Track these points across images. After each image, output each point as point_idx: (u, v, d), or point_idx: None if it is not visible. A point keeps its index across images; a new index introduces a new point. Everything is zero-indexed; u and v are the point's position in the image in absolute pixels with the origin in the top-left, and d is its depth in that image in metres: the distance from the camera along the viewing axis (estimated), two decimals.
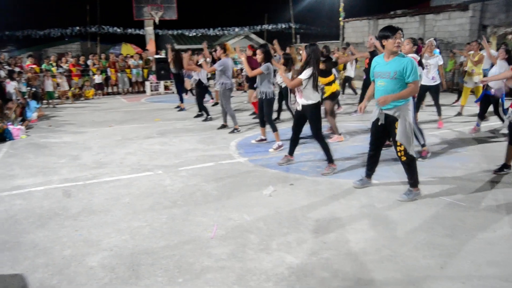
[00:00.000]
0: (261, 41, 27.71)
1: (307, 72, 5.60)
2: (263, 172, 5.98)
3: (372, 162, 5.15)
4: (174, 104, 12.75)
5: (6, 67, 12.37)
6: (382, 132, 4.86)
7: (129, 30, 21.76)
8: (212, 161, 6.60)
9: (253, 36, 28.00)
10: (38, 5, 28.38)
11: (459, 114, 10.23)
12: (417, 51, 6.40)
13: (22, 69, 13.68)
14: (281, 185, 5.36)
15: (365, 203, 4.71)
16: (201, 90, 10.34)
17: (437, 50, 9.32)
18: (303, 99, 5.72)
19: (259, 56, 7.10)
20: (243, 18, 26.82)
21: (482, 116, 8.14)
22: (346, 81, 14.07)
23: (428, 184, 5.21)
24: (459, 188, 5.08)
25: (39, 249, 3.85)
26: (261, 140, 7.74)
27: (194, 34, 24.18)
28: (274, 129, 7.27)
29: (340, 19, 20.31)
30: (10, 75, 11.31)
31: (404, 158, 4.66)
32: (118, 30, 21.72)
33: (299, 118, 5.96)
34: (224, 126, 9.17)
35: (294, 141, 6.19)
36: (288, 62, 7.55)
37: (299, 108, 5.84)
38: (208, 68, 9.36)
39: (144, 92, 17.09)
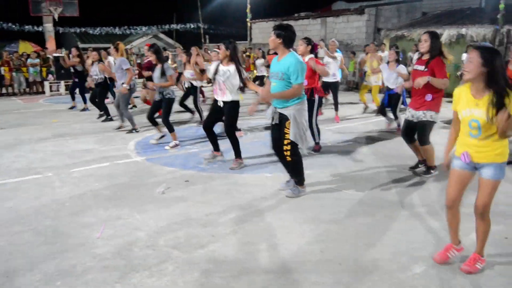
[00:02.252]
0: (171, 41, 27.39)
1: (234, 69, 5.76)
2: (160, 170, 5.93)
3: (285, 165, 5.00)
4: (77, 104, 12.08)
5: None
6: (278, 132, 4.73)
7: (27, 27, 20.37)
8: (108, 161, 6.40)
9: (162, 35, 27.58)
10: None
11: (365, 109, 10.79)
12: (312, 51, 6.58)
13: None
14: (176, 183, 5.35)
15: (258, 196, 4.85)
16: (103, 89, 9.96)
17: (338, 50, 9.90)
18: (225, 96, 5.80)
19: (151, 57, 6.99)
20: (151, 17, 26.25)
21: (384, 112, 8.56)
22: (255, 81, 14.29)
23: (318, 176, 5.50)
24: (348, 180, 5.43)
25: None
26: (161, 137, 7.59)
27: (99, 32, 23.22)
28: (171, 130, 7.20)
29: (248, 20, 20.66)
30: None
31: (289, 158, 4.70)
32: (14, 26, 20.22)
33: (216, 113, 6.01)
34: (120, 127, 8.85)
35: (212, 136, 6.22)
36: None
37: (220, 104, 5.89)
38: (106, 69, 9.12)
39: (43, 92, 16.07)
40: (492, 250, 3.42)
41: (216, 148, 6.32)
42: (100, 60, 9.75)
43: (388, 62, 8.02)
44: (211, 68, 6.22)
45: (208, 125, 6.12)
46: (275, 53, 8.13)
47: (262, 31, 20.51)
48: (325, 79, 9.06)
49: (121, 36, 25.28)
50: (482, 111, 2.86)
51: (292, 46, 4.55)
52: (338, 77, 9.24)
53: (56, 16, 17.37)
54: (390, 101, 8.06)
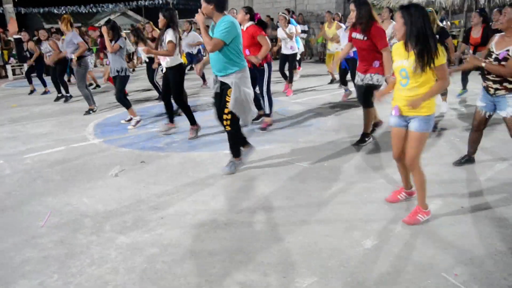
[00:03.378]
0: (140, 18, 26.63)
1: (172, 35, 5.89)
2: (116, 152, 5.75)
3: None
4: (40, 88, 11.63)
5: None
6: (220, 101, 4.58)
7: None
8: (63, 145, 6.18)
9: (131, 13, 26.78)
10: None
11: (332, 81, 10.63)
12: (252, 19, 6.35)
13: None
14: (131, 164, 5.19)
15: (212, 173, 4.74)
16: (62, 67, 9.61)
17: (293, 20, 9.70)
18: (165, 61, 6.01)
19: (107, 33, 6.73)
20: None
21: (344, 81, 8.56)
22: None
23: (278, 151, 5.40)
24: (306, 153, 5.33)
25: None
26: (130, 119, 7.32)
27: (64, 11, 22.38)
28: (128, 106, 7.02)
29: None
30: None
31: (228, 128, 4.56)
32: None
33: (167, 81, 6.17)
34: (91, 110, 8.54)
35: (168, 107, 6.36)
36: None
37: (163, 70, 6.15)
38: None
39: (6, 77, 15.51)
40: None
41: (171, 119, 6.44)
42: (49, 38, 9.36)
43: (346, 28, 7.88)
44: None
45: (165, 96, 6.32)
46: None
47: (233, 4, 20.03)
48: (283, 51, 9.06)
49: (87, 15, 24.48)
50: (410, 61, 3.10)
51: (224, 10, 4.41)
52: (295, 49, 9.16)
53: None
54: (348, 66, 8.06)
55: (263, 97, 6.46)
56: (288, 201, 3.94)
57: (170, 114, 6.43)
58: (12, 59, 15.42)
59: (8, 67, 15.31)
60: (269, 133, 6.28)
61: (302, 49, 11.18)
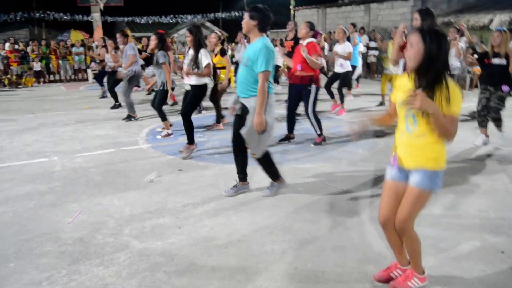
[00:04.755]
0: (217, 30, 27.48)
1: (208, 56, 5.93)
2: (159, 158, 5.93)
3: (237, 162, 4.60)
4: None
5: None
6: (239, 124, 4.23)
7: (77, 17, 21.18)
8: (114, 147, 6.49)
9: (209, 24, 27.72)
10: None
11: (381, 103, 10.12)
12: (314, 36, 6.42)
13: None
14: (169, 171, 5.32)
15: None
16: (115, 76, 10.11)
17: (358, 36, 9.50)
18: (191, 79, 6.00)
19: (152, 42, 6.92)
20: (198, 5, 26.45)
21: None
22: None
23: (316, 170, 5.26)
24: (346, 176, 5.14)
25: None
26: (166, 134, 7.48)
27: (146, 21, 23.72)
28: (163, 118, 7.14)
29: (291, 7, 20.31)
30: None
31: (254, 156, 4.32)
32: (65, 16, 21.10)
33: (187, 97, 6.16)
34: (129, 116, 8.79)
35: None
36: None
37: (188, 88, 6.11)
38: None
39: (86, 80, 16.70)
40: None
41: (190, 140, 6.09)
42: (116, 48, 9.88)
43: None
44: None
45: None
46: (294, 40, 8.02)
47: (305, 19, 20.05)
48: (335, 68, 8.96)
49: (167, 25, 25.71)
50: None
51: (266, 30, 4.20)
52: (347, 68, 8.84)
53: (101, 6, 17.95)
54: None
55: (309, 118, 6.36)
56: (309, 224, 3.80)
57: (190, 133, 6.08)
58: (93, 63, 16.56)
59: (89, 70, 16.47)
60: (314, 151, 6.15)
61: (359, 70, 10.87)
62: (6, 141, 7.04)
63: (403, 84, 2.54)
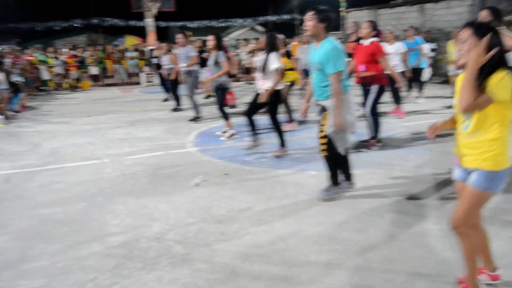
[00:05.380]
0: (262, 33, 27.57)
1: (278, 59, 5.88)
2: (207, 162, 5.94)
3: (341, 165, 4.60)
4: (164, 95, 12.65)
5: None
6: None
7: (131, 22, 21.91)
8: (163, 150, 6.59)
9: (259, 27, 27.82)
10: None
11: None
12: (377, 36, 6.26)
13: (18, 60, 13.84)
14: (215, 175, 5.30)
15: (290, 194, 4.60)
16: (175, 80, 10.29)
17: (419, 38, 9.19)
18: (266, 84, 5.93)
19: (211, 43, 7.00)
20: (248, 9, 26.60)
21: None
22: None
23: (367, 176, 5.07)
24: (398, 183, 4.91)
25: None
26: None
27: (197, 25, 24.16)
28: (226, 118, 7.21)
29: (341, 9, 19.95)
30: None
31: (325, 154, 4.31)
32: (120, 22, 21.89)
33: (257, 101, 6.13)
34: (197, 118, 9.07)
35: (251, 122, 6.30)
36: None
37: (261, 92, 6.04)
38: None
39: (139, 83, 17.19)
40: None
41: (255, 138, 6.41)
42: (169, 51, 10.04)
43: None
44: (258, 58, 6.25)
45: (248, 113, 6.25)
46: (357, 41, 7.89)
47: (357, 21, 19.68)
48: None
49: (219, 29, 26.06)
50: None
51: (329, 30, 4.14)
52: (400, 68, 8.56)
53: (154, 11, 18.38)
54: None
55: (367, 119, 6.22)
56: (357, 233, 3.64)
57: (253, 130, 6.34)
58: (146, 67, 17.03)
59: (142, 74, 16.96)
60: (365, 156, 5.94)
61: (427, 73, 10.45)
62: (62, 143, 7.33)
63: (459, 83, 2.44)
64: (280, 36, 8.32)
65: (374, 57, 6.04)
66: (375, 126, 6.21)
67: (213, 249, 3.44)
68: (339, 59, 3.98)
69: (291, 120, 7.90)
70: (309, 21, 4.03)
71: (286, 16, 22.87)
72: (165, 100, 12.02)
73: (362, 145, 6.27)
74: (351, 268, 3.09)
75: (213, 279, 3.02)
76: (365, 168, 5.37)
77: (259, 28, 27.82)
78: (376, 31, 6.33)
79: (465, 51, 2.30)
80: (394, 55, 8.37)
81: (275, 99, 6.01)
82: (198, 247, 3.49)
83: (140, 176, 5.38)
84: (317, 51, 4.15)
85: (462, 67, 2.36)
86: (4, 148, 7.12)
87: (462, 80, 2.35)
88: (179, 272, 3.11)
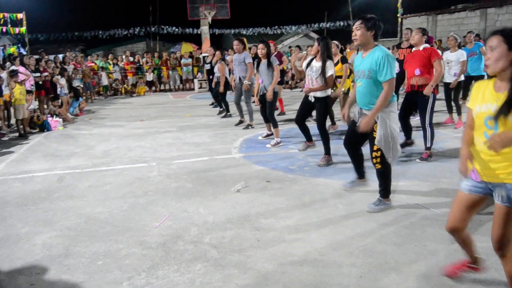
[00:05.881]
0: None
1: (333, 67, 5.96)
2: (250, 168, 5.97)
3: (355, 162, 4.76)
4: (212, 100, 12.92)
5: (60, 65, 13.29)
6: (358, 133, 4.28)
7: (187, 30, 22.54)
8: (208, 155, 6.71)
9: (313, 34, 27.68)
10: (105, 6, 30.39)
11: None
12: (428, 42, 6.10)
13: (79, 66, 14.61)
14: (257, 182, 5.32)
15: (329, 204, 4.53)
16: (224, 86, 10.45)
17: (480, 43, 8.80)
18: (317, 92, 6.02)
19: (262, 51, 7.10)
20: (303, 16, 26.58)
21: None
22: None
23: (413, 188, 4.90)
24: (444, 197, 4.70)
25: (5, 225, 4.24)
26: (268, 135, 7.70)
27: (252, 33, 24.45)
28: (275, 125, 7.24)
29: (398, 15, 19.46)
30: (61, 72, 12.19)
31: (378, 166, 4.23)
32: (176, 29, 22.59)
33: (306, 107, 6.26)
34: (241, 122, 9.22)
35: (303, 128, 6.45)
36: None
37: (311, 99, 6.12)
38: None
39: (193, 89, 17.63)
40: None
41: (308, 138, 6.51)
42: (222, 59, 10.22)
43: None
44: (304, 62, 6.24)
45: (298, 119, 6.37)
46: (410, 47, 7.71)
47: (414, 27, 19.13)
48: (446, 79, 8.39)
49: (273, 36, 26.24)
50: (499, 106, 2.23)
51: (378, 38, 4.09)
52: (460, 77, 8.17)
53: (209, 19, 18.83)
54: None
55: (424, 128, 6.03)
56: (395, 247, 3.52)
57: (307, 134, 6.50)
58: (200, 74, 17.45)
59: (195, 80, 17.39)
60: (411, 167, 5.76)
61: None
62: (114, 146, 7.66)
63: (482, 89, 2.36)
64: (335, 43, 8.27)
65: (430, 60, 5.89)
66: (432, 136, 6.03)
67: (247, 255, 3.45)
68: (391, 66, 3.98)
69: (333, 123, 8.32)
70: (357, 30, 4.03)
71: (341, 23, 22.63)
72: (212, 104, 12.29)
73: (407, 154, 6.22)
74: (384, 284, 3.00)
75: (243, 284, 3.03)
76: (411, 179, 5.20)
77: (313, 35, 27.68)
78: (426, 36, 6.16)
79: (493, 60, 2.21)
80: (456, 63, 8.02)
81: (325, 106, 6.06)
82: (232, 252, 3.52)
83: (184, 180, 5.50)
84: (366, 59, 4.12)
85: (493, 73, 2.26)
86: (60, 149, 7.53)
87: (481, 88, 2.34)
88: (211, 276, 3.15)
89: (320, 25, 24.33)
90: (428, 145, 6.04)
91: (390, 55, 3.99)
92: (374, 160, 4.25)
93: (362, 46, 4.12)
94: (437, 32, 18.00)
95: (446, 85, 8.34)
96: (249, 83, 8.65)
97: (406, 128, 6.50)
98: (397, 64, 5.61)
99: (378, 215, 4.18)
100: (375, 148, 4.19)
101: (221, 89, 10.20)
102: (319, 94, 5.98)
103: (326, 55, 5.86)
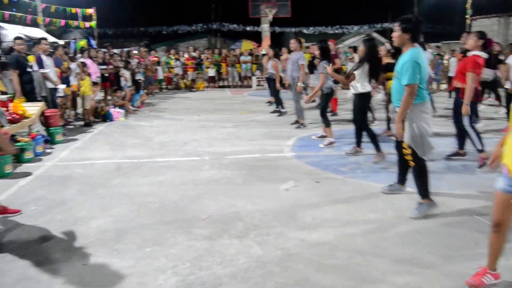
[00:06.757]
0: (384, 40, 26.67)
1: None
2: (300, 167, 5.96)
3: (399, 166, 4.74)
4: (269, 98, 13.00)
5: (125, 59, 13.86)
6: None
7: (248, 28, 22.76)
8: (260, 152, 6.76)
9: (375, 35, 27.03)
10: (169, 2, 31.34)
11: None
12: (485, 46, 5.76)
13: (143, 61, 15.16)
14: (306, 182, 5.30)
15: (377, 208, 4.43)
16: (281, 85, 10.45)
17: None
18: (354, 88, 6.17)
19: (316, 52, 7.10)
20: (365, 16, 26.03)
21: None
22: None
23: (462, 198, 4.69)
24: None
25: (65, 208, 4.52)
26: (323, 136, 7.63)
27: (312, 31, 24.28)
28: (327, 125, 7.17)
29: (467, 16, 18.56)
30: (126, 66, 12.71)
31: (412, 164, 4.19)
32: (237, 27, 22.89)
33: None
34: (297, 122, 9.20)
35: (357, 131, 6.43)
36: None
37: (350, 95, 6.41)
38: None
39: (251, 86, 17.79)
40: None
41: (358, 143, 6.46)
42: (276, 57, 10.24)
43: None
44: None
45: (355, 120, 6.38)
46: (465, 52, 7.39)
47: (484, 29, 18.18)
48: (507, 85, 7.88)
49: (333, 35, 25.85)
50: None
51: (418, 40, 4.05)
52: None
53: (270, 17, 18.93)
54: None
55: (464, 131, 5.84)
56: (444, 259, 3.36)
57: (358, 138, 6.41)
58: (258, 71, 17.58)
59: (253, 78, 17.53)
60: (465, 173, 5.51)
61: None
62: (170, 138, 7.91)
63: None
64: (387, 45, 8.10)
65: (465, 69, 5.66)
66: (478, 137, 5.74)
67: (290, 254, 3.46)
68: (413, 71, 3.94)
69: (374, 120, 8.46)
70: (395, 32, 4.09)
71: None
72: (268, 102, 12.34)
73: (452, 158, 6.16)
74: None
75: (282, 282, 3.04)
76: (467, 188, 4.97)
77: (376, 35, 27.04)
78: (483, 40, 5.79)
79: None
80: None
81: (363, 102, 6.18)
82: (275, 250, 3.53)
83: (235, 176, 5.58)
84: (399, 60, 4.17)
85: None
86: (121, 140, 7.89)
87: None
88: (252, 272, 3.18)
89: (383, 25, 23.68)
90: (478, 147, 5.74)
91: (416, 61, 3.91)
92: (406, 157, 4.24)
93: (401, 47, 4.16)
94: (509, 35, 16.98)
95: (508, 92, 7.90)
96: (303, 85, 8.65)
97: (460, 136, 6.19)
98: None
99: (429, 224, 4.03)
100: (404, 145, 4.18)
101: (277, 85, 10.26)
102: (358, 89, 6.08)
103: (366, 57, 5.96)
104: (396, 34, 4.04)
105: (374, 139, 6.07)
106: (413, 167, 4.23)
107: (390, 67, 7.73)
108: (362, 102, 6.20)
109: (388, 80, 7.48)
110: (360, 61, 6.09)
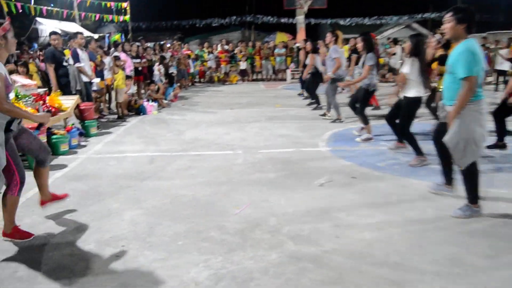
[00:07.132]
0: (425, 31, 25.83)
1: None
2: (336, 162, 5.82)
3: (443, 165, 4.46)
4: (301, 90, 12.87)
5: (159, 52, 14.00)
6: (443, 131, 3.99)
7: (282, 20, 22.56)
8: (294, 147, 6.65)
9: (416, 25, 26.20)
10: None
11: None
12: None
13: (176, 54, 15.28)
14: (342, 177, 5.16)
15: (418, 206, 4.25)
16: (316, 78, 10.27)
17: None
18: (406, 90, 5.78)
19: (359, 45, 6.88)
20: (404, 6, 25.26)
21: None
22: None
23: (509, 197, 4.44)
24: None
25: (99, 199, 4.57)
26: (362, 129, 7.42)
27: (349, 23, 23.80)
28: (365, 122, 6.97)
29: None
30: (161, 60, 12.82)
31: (461, 167, 3.91)
32: (272, 19, 22.71)
33: (398, 106, 5.99)
34: (324, 115, 9.03)
35: (393, 127, 6.16)
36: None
37: (401, 97, 5.97)
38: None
39: (285, 79, 17.64)
40: None
41: (400, 139, 6.23)
42: (315, 51, 10.07)
43: None
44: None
45: (388, 117, 6.18)
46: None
47: None
48: None
49: (371, 27, 25.22)
50: None
51: (472, 31, 3.73)
52: None
53: (305, 9, 18.66)
54: None
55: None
56: (486, 260, 3.17)
57: (398, 134, 6.20)
58: (292, 64, 17.41)
59: (288, 71, 17.37)
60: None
61: None
62: (203, 132, 7.91)
63: None
64: (437, 37, 7.77)
65: None
66: None
67: (324, 251, 3.36)
68: (472, 63, 3.61)
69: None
70: (448, 23, 3.76)
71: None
72: (300, 94, 12.26)
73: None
74: None
75: (317, 279, 2.95)
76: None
77: (416, 26, 26.19)
78: None
79: None
80: None
81: (413, 109, 5.74)
82: (309, 246, 3.44)
83: (268, 170, 5.51)
84: (452, 53, 3.87)
85: None
86: (154, 133, 7.96)
87: None
88: (285, 267, 3.11)
89: (424, 16, 22.93)
90: None
91: (471, 51, 3.61)
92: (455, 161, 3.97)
93: (453, 40, 3.86)
94: None
95: None
96: (333, 76, 8.46)
97: (500, 128, 6.02)
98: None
99: (471, 223, 3.82)
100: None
101: (304, 75, 10.38)
102: (408, 93, 5.69)
103: (413, 53, 5.62)
104: (450, 25, 3.72)
105: (415, 143, 5.65)
106: (461, 170, 3.94)
107: (444, 60, 7.43)
108: (411, 107, 5.72)
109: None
110: (409, 57, 5.70)
